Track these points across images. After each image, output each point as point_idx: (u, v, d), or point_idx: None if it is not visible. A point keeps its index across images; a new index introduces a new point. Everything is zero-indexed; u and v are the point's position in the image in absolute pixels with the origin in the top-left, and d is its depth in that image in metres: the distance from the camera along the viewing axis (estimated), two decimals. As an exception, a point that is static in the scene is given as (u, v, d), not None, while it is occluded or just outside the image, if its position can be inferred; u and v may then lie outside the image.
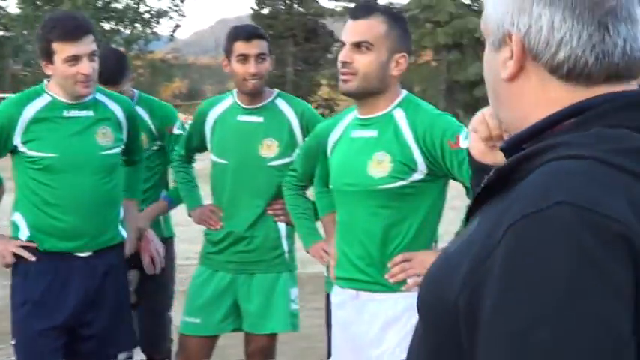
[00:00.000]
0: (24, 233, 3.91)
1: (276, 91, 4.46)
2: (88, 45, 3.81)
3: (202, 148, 4.58)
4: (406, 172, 3.20)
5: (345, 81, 3.27)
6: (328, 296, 4.08)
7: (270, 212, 4.32)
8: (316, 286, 6.13)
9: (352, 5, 61.67)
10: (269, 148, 4.30)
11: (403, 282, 3.23)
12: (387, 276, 3.24)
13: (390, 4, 59.18)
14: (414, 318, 3.12)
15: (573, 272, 1.14)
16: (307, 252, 4.09)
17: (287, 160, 4.31)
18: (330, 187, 3.44)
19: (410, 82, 53.11)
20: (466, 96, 47.80)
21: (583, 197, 1.18)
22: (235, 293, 4.38)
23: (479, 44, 50.78)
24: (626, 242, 1.15)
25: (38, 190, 3.87)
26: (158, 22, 49.89)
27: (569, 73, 1.34)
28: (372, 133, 3.29)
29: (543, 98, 1.37)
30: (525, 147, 1.35)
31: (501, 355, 1.16)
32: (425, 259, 3.21)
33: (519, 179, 1.28)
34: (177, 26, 48.82)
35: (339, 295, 3.40)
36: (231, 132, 4.35)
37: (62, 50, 3.77)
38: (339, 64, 3.27)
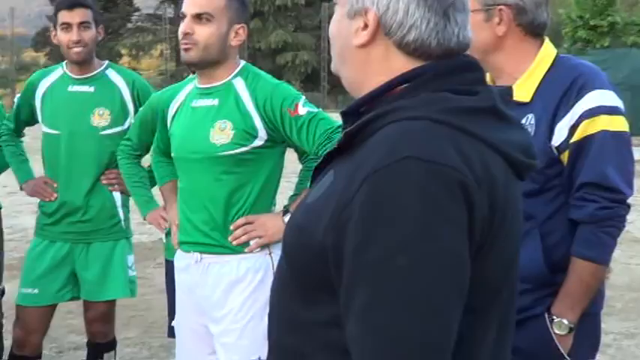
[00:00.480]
0: None
1: (106, 62, 4.51)
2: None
3: (32, 121, 4.57)
4: (247, 139, 3.30)
5: (186, 50, 3.33)
6: (167, 262, 4.17)
7: (104, 181, 4.38)
8: (138, 256, 6.17)
9: None
10: (101, 118, 4.36)
11: (246, 244, 3.35)
12: (230, 239, 3.34)
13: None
14: (257, 278, 3.28)
15: (422, 211, 1.39)
16: (144, 220, 4.15)
17: (119, 129, 4.38)
18: (172, 154, 3.50)
19: (212, 51, 52.84)
20: (268, 64, 48.15)
21: (425, 151, 1.43)
22: (73, 263, 4.43)
23: (279, 12, 51.32)
24: (463, 187, 1.42)
25: None
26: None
27: (414, 51, 1.59)
28: (213, 102, 3.37)
29: (386, 67, 1.62)
30: (363, 110, 1.61)
31: (364, 281, 1.40)
32: (266, 222, 3.35)
33: (364, 140, 1.53)
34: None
35: (183, 259, 3.48)
36: (62, 102, 4.38)
37: None
38: (180, 35, 3.32)
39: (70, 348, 5.94)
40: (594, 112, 2.64)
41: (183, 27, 3.32)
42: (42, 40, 57.95)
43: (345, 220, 1.44)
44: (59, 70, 4.45)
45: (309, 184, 3.18)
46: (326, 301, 1.52)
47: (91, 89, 4.38)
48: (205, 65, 3.36)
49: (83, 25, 4.30)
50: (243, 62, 3.46)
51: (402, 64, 1.60)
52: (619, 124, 2.68)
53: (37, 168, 4.65)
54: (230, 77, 3.38)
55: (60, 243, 4.41)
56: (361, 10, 1.61)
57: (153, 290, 7.33)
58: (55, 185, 4.40)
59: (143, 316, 6.85)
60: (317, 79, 48.41)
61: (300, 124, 3.27)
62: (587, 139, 2.64)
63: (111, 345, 4.63)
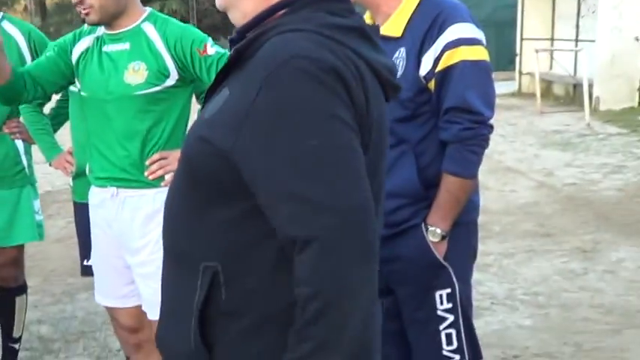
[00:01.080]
0: None
1: (0, 13, 4.39)
2: None
3: None
4: (160, 79, 3.46)
5: (86, 15, 3.45)
6: (76, 205, 4.30)
7: (6, 130, 4.36)
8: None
9: None
10: None
11: (161, 178, 3.51)
12: (146, 173, 3.50)
13: None
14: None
15: (314, 93, 1.60)
16: (50, 165, 4.26)
17: None
18: (83, 95, 3.60)
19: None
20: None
21: (308, 52, 1.64)
22: None
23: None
24: (339, 75, 1.63)
25: None
26: None
27: None
28: (124, 46, 3.50)
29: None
30: (249, 35, 1.79)
31: (283, 167, 1.59)
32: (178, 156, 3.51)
33: (252, 55, 1.71)
34: None
35: (98, 194, 3.61)
36: None
37: None
38: (74, 2, 3.43)
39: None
40: (455, 44, 2.91)
41: None
42: None
43: (244, 121, 1.61)
44: None
45: None
46: (225, 203, 1.69)
47: None
48: (109, 20, 3.49)
49: None
50: (149, 9, 3.59)
51: None
52: (478, 53, 2.97)
53: None
54: (139, 22, 3.52)
55: None
56: None
57: (47, 241, 7.38)
58: None
59: (40, 265, 6.93)
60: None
61: (209, 64, 3.45)
62: (449, 69, 2.92)
63: (22, 288, 4.67)
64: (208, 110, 1.75)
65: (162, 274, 1.90)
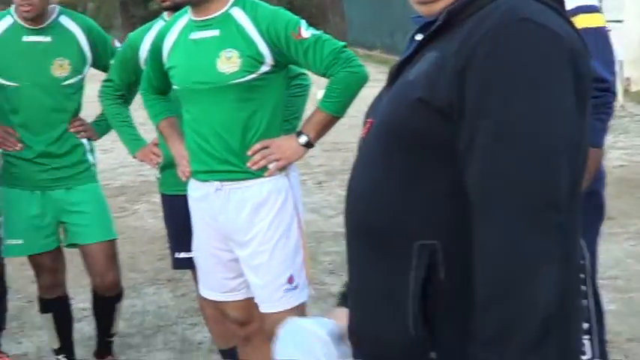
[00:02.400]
0: None
1: (57, 7, 4.36)
2: None
3: None
4: (255, 65, 3.40)
5: None
6: (164, 197, 4.26)
7: (72, 130, 4.36)
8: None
9: None
10: (62, 68, 4.29)
11: (265, 168, 3.46)
12: (249, 164, 3.45)
13: None
14: (279, 199, 3.41)
15: (540, 68, 1.53)
16: (134, 157, 4.22)
17: (80, 77, 4.38)
18: (176, 87, 3.56)
19: (84, 0, 51.68)
20: (141, 10, 47.29)
21: (541, 18, 1.58)
22: (54, 209, 4.38)
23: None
24: (573, 56, 1.57)
25: None
26: None
27: None
28: (213, 33, 3.44)
29: None
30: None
31: (488, 125, 1.53)
32: (282, 144, 3.47)
33: (466, 18, 1.63)
34: None
35: (200, 189, 3.56)
36: (17, 54, 4.26)
37: None
38: None
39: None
40: (574, 12, 2.90)
41: None
42: None
43: (466, 72, 1.55)
44: (8, 19, 4.27)
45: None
46: (447, 170, 1.60)
47: (48, 39, 4.26)
48: (192, 1, 3.44)
49: None
50: None
51: None
52: (597, 20, 2.98)
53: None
54: (227, 8, 3.45)
55: (35, 191, 4.35)
56: None
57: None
58: (18, 135, 4.29)
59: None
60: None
61: (305, 47, 3.39)
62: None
63: (121, 294, 4.64)
64: (413, 72, 1.67)
65: (351, 259, 1.80)
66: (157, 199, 9.14)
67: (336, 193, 8.53)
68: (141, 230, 7.82)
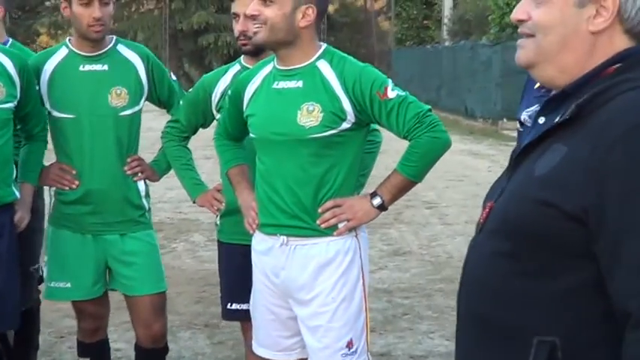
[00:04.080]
0: None
1: (113, 36, 4.24)
2: None
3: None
4: (336, 121, 3.32)
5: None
6: (221, 245, 4.16)
7: (128, 172, 4.18)
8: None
9: None
10: (119, 97, 4.12)
11: (334, 227, 3.36)
12: (318, 222, 3.35)
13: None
14: (346, 260, 3.30)
15: None
16: (194, 202, 4.13)
17: (137, 108, 4.21)
18: (253, 136, 3.48)
19: (134, 30, 52.35)
20: (190, 45, 47.78)
21: None
22: (105, 255, 4.21)
23: (201, -8, 50.97)
24: None
25: None
26: None
27: (637, 34, 1.73)
28: (297, 84, 3.37)
29: (609, 49, 1.72)
30: (570, 91, 1.72)
31: (636, 231, 1.51)
32: (354, 205, 3.37)
33: (593, 110, 1.64)
34: None
35: (265, 242, 3.47)
36: (74, 83, 4.10)
37: None
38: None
39: (70, 332, 5.83)
40: None
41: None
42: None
43: (603, 179, 1.54)
44: (63, 49, 4.14)
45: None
46: (572, 270, 1.60)
47: (105, 67, 4.11)
48: (275, 46, 3.36)
49: (104, 0, 4.00)
50: (324, 45, 3.45)
51: (620, 46, 1.73)
52: None
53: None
54: (313, 59, 3.38)
55: (87, 234, 4.17)
56: None
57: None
58: (74, 172, 4.11)
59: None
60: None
61: (390, 108, 3.30)
62: None
63: (166, 347, 4.45)
64: (539, 168, 1.67)
65: (463, 345, 1.81)
66: (196, 238, 9.15)
67: (378, 247, 8.45)
68: (178, 270, 7.75)
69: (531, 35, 1.78)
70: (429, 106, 3.39)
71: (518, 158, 1.78)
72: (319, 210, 3.35)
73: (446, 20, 38.15)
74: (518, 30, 1.81)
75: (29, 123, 4.08)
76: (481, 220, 1.81)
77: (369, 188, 3.64)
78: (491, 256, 1.73)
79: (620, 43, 1.73)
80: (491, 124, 23.57)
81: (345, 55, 3.45)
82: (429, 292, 7.20)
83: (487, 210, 1.80)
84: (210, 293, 7.00)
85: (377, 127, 3.74)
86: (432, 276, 7.72)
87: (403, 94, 3.34)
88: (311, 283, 3.38)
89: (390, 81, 3.36)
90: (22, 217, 4.05)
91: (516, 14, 1.82)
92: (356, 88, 3.30)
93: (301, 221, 3.36)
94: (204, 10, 50.79)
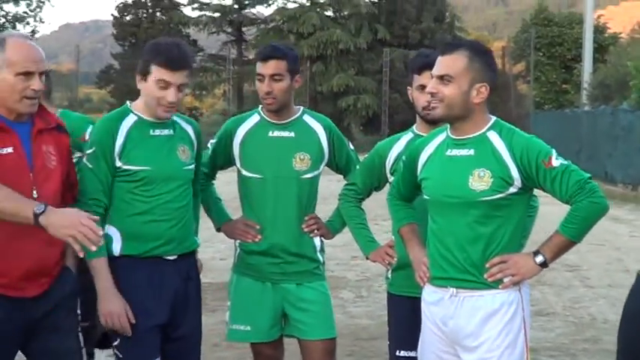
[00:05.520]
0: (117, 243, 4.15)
1: (301, 107, 4.72)
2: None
3: (227, 165, 4.79)
4: (504, 186, 3.67)
5: (433, 108, 3.75)
6: (390, 296, 4.53)
7: (306, 229, 4.64)
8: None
9: (216, 15, 60.19)
10: (302, 162, 4.60)
11: (500, 281, 3.69)
12: (486, 276, 3.69)
13: (254, 14, 59.71)
14: (510, 311, 3.62)
15: None
16: (367, 258, 4.53)
17: (316, 172, 4.67)
18: (427, 198, 3.85)
19: (276, 92, 53.40)
20: (330, 107, 48.58)
21: None
22: (282, 302, 4.63)
23: (342, 56, 51.89)
24: None
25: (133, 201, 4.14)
26: (14, 28, 48.12)
27: None
28: (469, 152, 3.73)
29: None
30: None
31: None
32: (518, 261, 3.70)
33: None
34: (34, 32, 47.00)
35: (435, 293, 3.81)
36: (263, 147, 4.59)
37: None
38: (429, 95, 3.76)
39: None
40: None
41: (428, 88, 3.74)
42: (105, 77, 58.81)
43: None
44: (256, 116, 4.63)
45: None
46: None
47: (292, 134, 4.58)
48: (450, 119, 3.75)
49: (274, 77, 4.46)
50: (494, 118, 3.80)
51: None
52: None
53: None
54: (484, 130, 3.74)
55: (266, 282, 4.61)
56: None
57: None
58: (258, 227, 4.58)
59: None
60: (377, 123, 48.73)
61: (554, 175, 3.64)
62: None
63: None
64: None
65: None
66: (345, 295, 9.43)
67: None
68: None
69: None
70: (590, 174, 3.71)
71: None
72: (487, 265, 3.69)
73: (585, 85, 37.81)
74: None
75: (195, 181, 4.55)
76: None
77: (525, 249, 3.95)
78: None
79: None
80: (631, 189, 23.31)
81: (513, 127, 3.80)
82: (574, 352, 7.36)
83: None
84: (361, 347, 7.33)
85: (535, 192, 4.07)
86: (576, 336, 7.86)
87: (566, 162, 3.67)
88: (478, 331, 3.69)
89: (554, 151, 3.69)
90: (201, 263, 4.57)
91: None
92: (523, 157, 3.65)
93: (470, 275, 3.69)
94: (344, 72, 51.84)
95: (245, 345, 4.95)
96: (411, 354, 4.27)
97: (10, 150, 3.58)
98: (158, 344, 4.17)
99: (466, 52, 3.71)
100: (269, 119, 4.62)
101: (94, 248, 3.37)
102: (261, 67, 4.51)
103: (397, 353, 4.45)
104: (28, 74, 3.57)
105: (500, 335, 3.68)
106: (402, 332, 4.33)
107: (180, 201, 4.21)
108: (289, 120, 4.62)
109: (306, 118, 4.68)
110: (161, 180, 4.14)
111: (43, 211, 3.34)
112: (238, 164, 4.66)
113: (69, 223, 3.32)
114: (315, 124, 4.69)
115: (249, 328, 4.64)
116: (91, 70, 73.01)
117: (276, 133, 4.60)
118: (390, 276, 4.54)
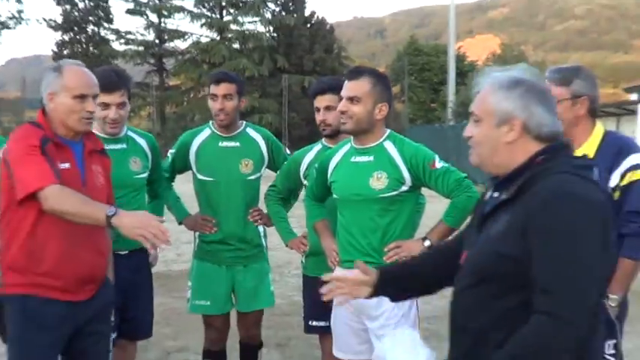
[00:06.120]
0: None
1: (244, 122, 4.83)
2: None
3: (184, 170, 4.88)
4: (398, 185, 3.81)
5: (343, 124, 3.86)
6: (305, 277, 4.63)
7: (251, 219, 4.78)
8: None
9: (140, 49, 59.09)
10: (247, 167, 4.73)
11: (396, 261, 3.80)
12: (385, 258, 3.80)
13: (173, 47, 59.23)
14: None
15: (585, 222, 2.14)
16: (286, 245, 4.62)
17: (259, 174, 4.81)
18: (336, 196, 3.96)
19: (193, 113, 53.25)
20: (300, 130, 48.49)
21: (578, 191, 2.17)
22: (232, 281, 4.79)
23: (248, 82, 51.71)
24: (603, 214, 2.18)
25: None
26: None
27: (544, 139, 2.34)
28: (369, 158, 3.86)
29: (524, 150, 2.35)
30: (519, 177, 2.31)
31: (552, 256, 2.13)
32: (411, 245, 3.83)
33: (526, 191, 2.25)
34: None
35: (342, 273, 3.91)
36: (215, 155, 4.70)
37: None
38: (340, 113, 3.84)
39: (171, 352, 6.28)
40: (635, 168, 3.49)
41: (340, 106, 3.83)
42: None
43: (531, 234, 2.16)
44: (207, 130, 4.73)
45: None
46: (513, 293, 2.22)
47: (237, 144, 4.70)
48: (358, 133, 3.87)
49: (226, 96, 4.57)
50: (388, 130, 3.94)
51: (533, 148, 2.34)
52: None
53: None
54: (381, 140, 3.87)
55: (222, 265, 4.75)
56: (508, 119, 2.35)
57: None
58: (214, 221, 4.72)
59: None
60: (279, 137, 48.42)
61: (437, 175, 3.80)
62: (630, 184, 3.50)
63: (261, 344, 5.01)
64: (493, 230, 2.30)
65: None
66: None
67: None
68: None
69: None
70: (466, 174, 3.89)
71: (483, 219, 2.42)
72: (385, 249, 3.82)
73: (450, 104, 38.64)
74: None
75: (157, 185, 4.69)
76: (461, 262, 2.45)
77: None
78: (463, 287, 2.40)
79: (531, 145, 2.33)
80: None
81: (403, 137, 3.94)
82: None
83: (464, 256, 2.45)
84: (275, 322, 7.33)
85: (422, 192, 4.23)
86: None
87: (447, 165, 3.84)
88: (377, 304, 3.78)
89: (436, 155, 3.85)
90: (155, 256, 4.59)
91: (465, 132, 2.46)
92: (413, 161, 3.80)
93: (372, 257, 3.79)
94: (250, 95, 51.84)
95: (179, 322, 4.98)
96: (321, 323, 4.42)
97: (67, 165, 3.42)
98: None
99: (369, 78, 3.82)
100: (219, 132, 4.72)
101: (163, 246, 3.25)
102: (215, 89, 4.61)
103: (310, 323, 4.57)
104: (83, 97, 3.47)
105: (397, 305, 3.81)
106: (314, 307, 4.41)
107: (132, 205, 4.21)
108: (235, 133, 4.73)
109: (249, 130, 4.79)
110: (114, 187, 4.14)
111: (114, 214, 3.16)
112: (194, 169, 4.78)
113: (140, 224, 3.12)
114: (256, 135, 4.80)
115: (208, 302, 4.77)
116: (35, 97, 71.16)
117: (225, 144, 4.71)
118: (304, 261, 4.64)
